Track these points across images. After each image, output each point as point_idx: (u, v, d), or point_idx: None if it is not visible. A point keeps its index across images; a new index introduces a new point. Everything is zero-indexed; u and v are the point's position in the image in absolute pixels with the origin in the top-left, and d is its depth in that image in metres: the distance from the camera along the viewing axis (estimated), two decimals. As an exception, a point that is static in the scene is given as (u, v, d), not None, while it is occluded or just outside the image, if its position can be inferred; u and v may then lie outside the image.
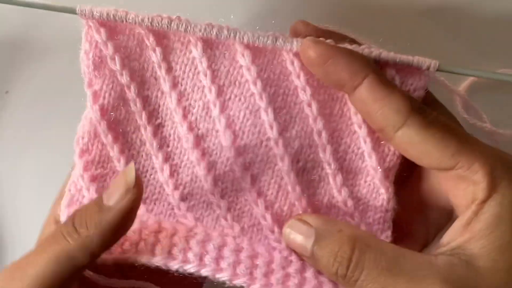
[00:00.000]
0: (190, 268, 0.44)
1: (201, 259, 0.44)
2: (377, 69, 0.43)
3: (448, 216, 0.47)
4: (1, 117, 0.57)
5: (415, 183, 0.49)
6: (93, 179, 0.46)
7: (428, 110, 0.43)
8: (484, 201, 0.41)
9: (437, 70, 0.44)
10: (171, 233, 0.45)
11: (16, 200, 0.58)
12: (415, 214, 0.49)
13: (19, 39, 0.55)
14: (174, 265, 0.44)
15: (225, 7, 0.57)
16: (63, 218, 0.46)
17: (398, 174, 0.48)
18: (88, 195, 0.46)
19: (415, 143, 0.42)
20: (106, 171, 0.47)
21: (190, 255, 0.44)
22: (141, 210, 0.46)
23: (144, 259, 0.44)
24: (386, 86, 0.42)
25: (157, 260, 0.44)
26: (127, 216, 0.41)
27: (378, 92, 0.42)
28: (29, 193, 0.57)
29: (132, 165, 0.42)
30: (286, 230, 0.45)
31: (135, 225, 0.44)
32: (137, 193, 0.41)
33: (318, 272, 0.45)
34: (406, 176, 0.50)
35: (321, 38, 0.44)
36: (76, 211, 0.43)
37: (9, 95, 0.57)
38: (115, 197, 0.41)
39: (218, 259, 0.44)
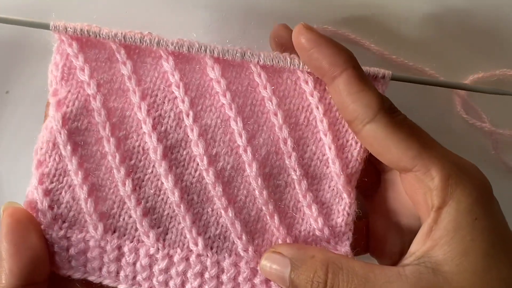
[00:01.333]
0: None
1: (166, 284, 0.47)
2: (358, 65, 0.45)
3: (418, 224, 0.48)
4: (1, 117, 0.57)
5: (383, 193, 0.51)
6: (47, 193, 0.46)
7: (398, 111, 0.46)
8: (441, 208, 0.43)
9: (392, 79, 0.48)
10: (133, 261, 0.47)
11: (16, 200, 0.58)
12: (388, 223, 0.51)
13: (19, 39, 0.55)
14: None
15: (225, 6, 0.57)
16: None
17: (365, 184, 0.50)
18: (42, 208, 0.46)
19: (380, 139, 0.45)
20: (61, 185, 0.46)
21: (155, 282, 0.47)
22: (99, 229, 0.46)
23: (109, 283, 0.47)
24: (361, 82, 0.45)
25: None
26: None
27: (354, 86, 0.45)
28: (29, 193, 0.57)
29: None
30: (263, 262, 0.47)
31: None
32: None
33: None
34: (373, 186, 0.52)
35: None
36: None
37: (9, 95, 0.57)
38: None
39: (183, 283, 0.47)
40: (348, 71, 0.45)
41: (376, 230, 0.52)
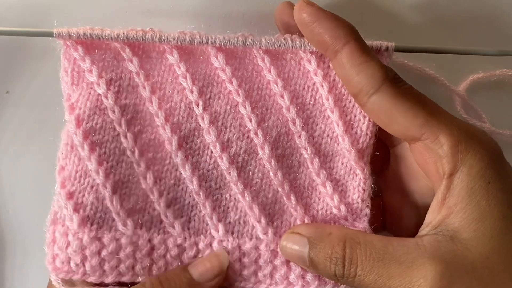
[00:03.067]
0: None
1: None
2: (360, 38, 0.45)
3: (432, 194, 0.48)
4: (1, 117, 0.57)
5: (394, 168, 0.51)
6: (70, 196, 0.46)
7: (403, 81, 0.46)
8: (452, 174, 0.43)
9: (395, 50, 0.48)
10: (163, 253, 0.48)
11: (16, 200, 0.58)
12: (402, 198, 0.51)
13: (19, 39, 0.55)
14: None
15: (224, 7, 0.57)
16: (48, 235, 0.47)
17: (375, 161, 0.50)
18: (67, 212, 0.46)
19: (386, 109, 0.44)
20: (83, 186, 0.46)
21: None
22: (129, 224, 0.47)
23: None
24: (364, 54, 0.45)
25: None
26: None
27: (357, 58, 0.44)
28: (29, 193, 0.57)
29: (226, 253, 0.47)
30: (282, 243, 0.47)
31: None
32: (223, 278, 0.47)
33: None
34: (384, 162, 0.52)
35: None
36: (161, 275, 0.46)
37: (9, 95, 0.57)
38: (207, 275, 0.46)
39: None
40: (350, 44, 0.44)
41: (391, 206, 0.52)
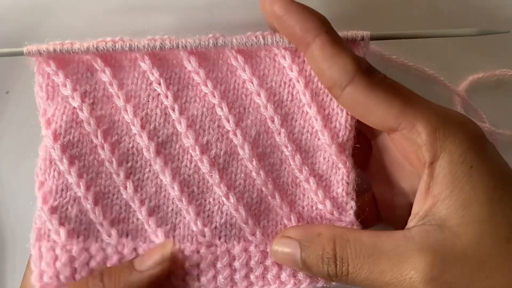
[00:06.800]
0: None
1: (183, 279, 0.48)
2: (331, 29, 0.45)
3: (419, 179, 0.47)
4: (1, 117, 0.57)
5: (378, 158, 0.51)
6: (53, 210, 0.46)
7: (376, 71, 0.45)
8: (433, 162, 0.43)
9: (371, 39, 0.47)
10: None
11: (16, 200, 0.58)
12: (391, 189, 0.50)
13: (19, 39, 0.55)
14: None
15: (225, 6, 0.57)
16: (34, 252, 0.46)
17: (358, 154, 0.50)
18: (53, 227, 0.46)
19: (360, 102, 0.44)
20: (65, 200, 0.46)
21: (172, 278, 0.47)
22: (113, 234, 0.47)
23: None
24: (336, 46, 0.44)
25: None
26: (153, 283, 0.45)
27: (328, 51, 0.44)
28: (29, 193, 0.57)
29: (171, 240, 0.46)
30: (274, 248, 0.47)
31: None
32: (168, 266, 0.45)
33: None
34: (366, 155, 0.52)
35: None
36: (105, 268, 0.45)
37: (9, 95, 0.57)
38: (147, 263, 0.45)
39: (198, 276, 0.48)
40: (321, 36, 0.44)
41: (382, 198, 0.52)
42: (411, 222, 0.44)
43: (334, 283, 0.47)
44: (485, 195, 0.42)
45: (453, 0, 0.57)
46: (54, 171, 0.46)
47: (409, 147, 0.44)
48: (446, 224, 0.42)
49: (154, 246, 0.47)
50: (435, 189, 0.43)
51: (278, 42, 0.47)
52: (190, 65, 0.47)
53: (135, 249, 0.47)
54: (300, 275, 0.48)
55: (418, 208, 0.44)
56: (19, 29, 0.54)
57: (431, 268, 0.41)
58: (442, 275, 0.41)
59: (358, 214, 0.49)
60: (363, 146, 0.51)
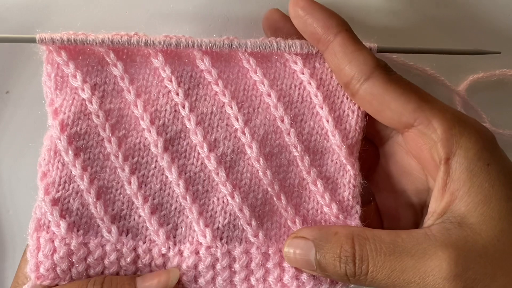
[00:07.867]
0: None
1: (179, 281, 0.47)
2: (350, 29, 0.46)
3: (426, 188, 0.48)
4: (1, 117, 0.57)
5: (384, 168, 0.51)
6: (55, 202, 0.46)
7: (393, 71, 0.46)
8: (449, 158, 0.43)
9: (378, 51, 0.48)
10: (148, 262, 0.47)
11: (16, 200, 0.58)
12: (396, 198, 0.50)
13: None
14: None
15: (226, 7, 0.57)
16: (31, 242, 0.46)
17: (365, 163, 0.50)
18: (53, 219, 0.45)
19: (378, 95, 0.45)
20: (68, 193, 0.46)
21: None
22: (113, 231, 0.46)
23: None
24: (356, 43, 0.45)
25: None
26: None
27: (349, 47, 0.45)
28: (29, 193, 0.57)
29: (177, 271, 0.46)
30: (286, 249, 0.47)
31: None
32: None
33: None
34: (372, 165, 0.52)
35: None
36: (107, 277, 0.45)
37: (9, 95, 0.57)
38: (151, 284, 0.44)
39: (195, 278, 0.47)
40: (342, 34, 0.45)
41: (387, 209, 0.52)
42: (429, 221, 0.44)
43: (351, 285, 0.46)
44: (503, 193, 0.42)
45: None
46: (58, 162, 0.46)
47: (424, 143, 0.44)
48: (466, 221, 0.42)
49: (159, 271, 0.47)
50: (453, 186, 0.43)
51: (290, 47, 0.48)
52: (203, 64, 0.47)
53: (134, 249, 0.47)
54: (304, 277, 0.47)
55: (436, 206, 0.44)
56: (19, 29, 0.54)
57: (455, 265, 0.41)
58: (466, 272, 0.41)
59: (362, 219, 0.49)
60: (369, 156, 0.51)
